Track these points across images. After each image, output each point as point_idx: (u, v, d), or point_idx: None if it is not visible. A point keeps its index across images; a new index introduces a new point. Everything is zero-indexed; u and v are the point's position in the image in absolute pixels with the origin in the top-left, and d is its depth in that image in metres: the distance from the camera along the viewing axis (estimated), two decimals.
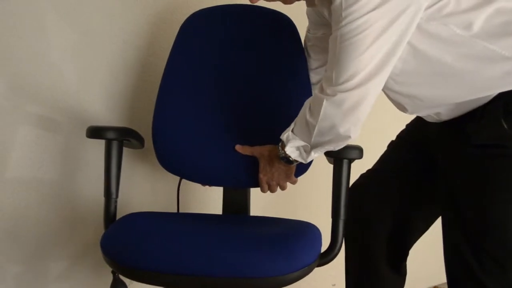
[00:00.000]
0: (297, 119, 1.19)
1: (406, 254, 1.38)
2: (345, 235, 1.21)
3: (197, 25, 1.47)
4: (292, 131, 1.20)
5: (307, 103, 1.17)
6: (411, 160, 1.32)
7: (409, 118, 1.34)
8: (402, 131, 1.40)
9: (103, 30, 1.48)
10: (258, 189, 1.44)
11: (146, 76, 1.57)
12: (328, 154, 1.20)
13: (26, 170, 1.38)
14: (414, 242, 1.37)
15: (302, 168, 1.36)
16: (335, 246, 1.18)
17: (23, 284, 1.41)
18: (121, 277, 1.20)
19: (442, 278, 1.21)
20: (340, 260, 1.23)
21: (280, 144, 1.25)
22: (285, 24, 1.47)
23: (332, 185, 1.21)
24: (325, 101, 1.07)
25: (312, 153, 1.18)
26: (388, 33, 0.99)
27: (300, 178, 1.38)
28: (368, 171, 1.39)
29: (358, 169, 1.35)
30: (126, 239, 1.09)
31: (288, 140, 1.20)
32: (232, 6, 1.54)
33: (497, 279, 1.09)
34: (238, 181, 1.41)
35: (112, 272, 1.20)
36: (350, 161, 1.21)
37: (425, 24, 1.03)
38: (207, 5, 1.50)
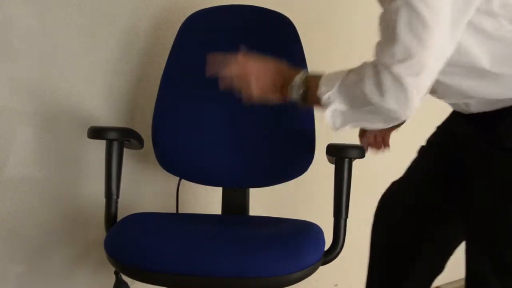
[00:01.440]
0: (347, 87, 1.01)
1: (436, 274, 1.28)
2: (372, 243, 1.17)
3: (197, 25, 1.47)
4: (336, 93, 1.02)
5: (361, 69, 1.00)
6: (439, 167, 1.24)
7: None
8: (431, 135, 1.30)
9: (104, 31, 1.48)
10: (260, 189, 1.45)
11: (148, 76, 1.57)
12: (329, 153, 1.20)
13: (27, 171, 1.38)
14: (448, 257, 1.26)
15: (301, 168, 1.36)
16: (337, 245, 1.18)
17: (25, 284, 1.42)
18: (124, 277, 1.21)
19: (445, 279, 1.21)
20: (342, 259, 1.23)
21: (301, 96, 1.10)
22: (285, 24, 1.47)
23: (334, 184, 1.21)
24: (383, 74, 0.93)
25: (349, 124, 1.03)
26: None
27: (300, 178, 1.39)
28: (400, 178, 1.32)
29: (359, 168, 1.35)
30: (130, 239, 1.09)
31: (329, 102, 1.01)
32: (232, 7, 1.54)
33: None
34: (237, 181, 1.42)
35: (115, 272, 1.20)
36: (351, 160, 1.21)
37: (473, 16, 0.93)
38: (207, 5, 1.50)
